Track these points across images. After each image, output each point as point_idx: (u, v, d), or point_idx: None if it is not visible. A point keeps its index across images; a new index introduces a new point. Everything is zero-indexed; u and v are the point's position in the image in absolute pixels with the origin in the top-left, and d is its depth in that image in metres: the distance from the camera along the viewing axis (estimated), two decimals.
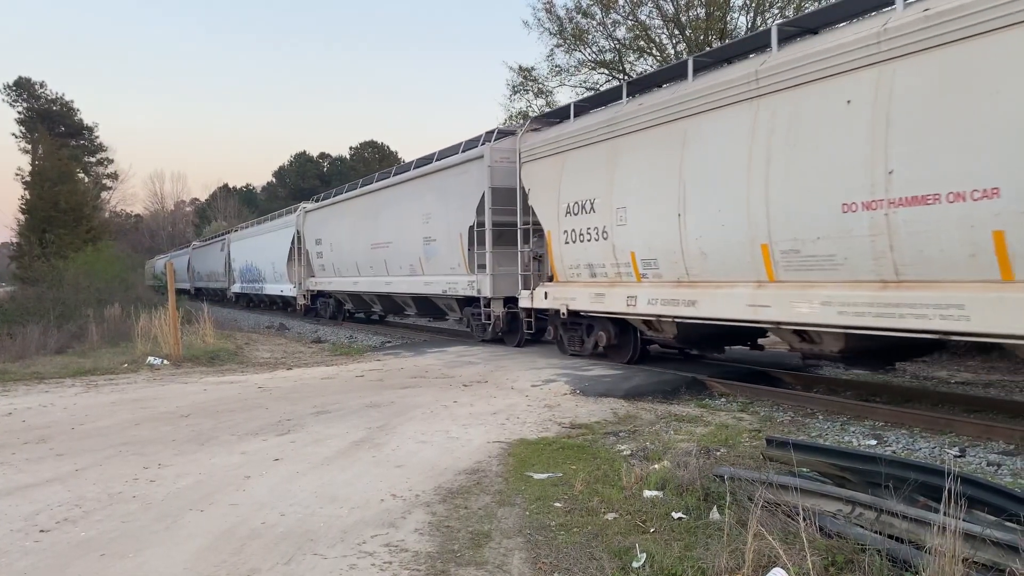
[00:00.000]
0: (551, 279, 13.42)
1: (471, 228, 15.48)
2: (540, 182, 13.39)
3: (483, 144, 15.48)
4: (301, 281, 27.69)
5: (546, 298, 13.29)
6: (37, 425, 8.59)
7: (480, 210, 15.11)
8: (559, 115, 13.96)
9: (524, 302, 14.14)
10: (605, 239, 11.55)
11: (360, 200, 22.18)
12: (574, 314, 12.75)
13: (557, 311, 13.09)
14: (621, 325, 12.08)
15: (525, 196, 13.89)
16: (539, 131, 14.00)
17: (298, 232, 27.67)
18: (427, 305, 19.12)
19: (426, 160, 18.60)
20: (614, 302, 11.47)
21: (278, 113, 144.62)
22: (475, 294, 15.71)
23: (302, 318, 28.51)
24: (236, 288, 38.78)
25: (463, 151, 16.42)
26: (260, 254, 33.18)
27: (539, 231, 13.79)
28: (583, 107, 13.00)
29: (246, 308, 38.04)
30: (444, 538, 4.71)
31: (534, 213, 13.63)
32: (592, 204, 11.82)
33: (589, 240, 11.93)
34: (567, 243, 12.53)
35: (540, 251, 13.93)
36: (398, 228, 19.16)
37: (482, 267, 15.24)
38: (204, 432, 8.03)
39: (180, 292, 47.16)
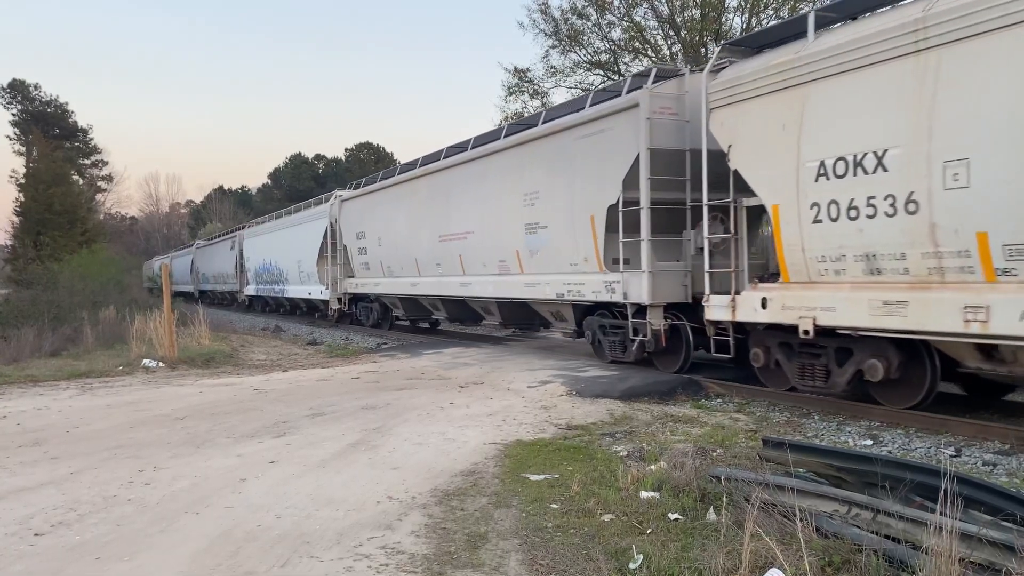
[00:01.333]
0: (766, 278, 9.51)
1: (611, 208, 11.37)
2: (754, 133, 9.17)
3: (630, 91, 11.25)
4: (336, 282, 23.43)
5: (764, 307, 9.11)
6: (32, 428, 8.56)
7: (629, 182, 10.93)
8: (780, 35, 9.57)
9: (717, 312, 9.82)
10: (911, 212, 7.43)
11: (423, 182, 17.82)
12: (823, 332, 8.51)
13: (788, 326, 8.88)
14: (908, 350, 8.15)
15: (720, 157, 9.65)
16: (739, 63, 9.79)
17: (331, 225, 23.47)
18: (519, 312, 15.28)
19: (524, 124, 14.62)
20: (930, 315, 7.35)
21: (273, 115, 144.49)
22: (618, 299, 11.42)
23: (334, 326, 24.54)
24: (250, 290, 34.86)
25: (591, 104, 12.28)
26: (282, 251, 28.79)
27: (712, 209, 10.08)
28: (828, 18, 8.79)
29: (262, 313, 34.40)
30: (440, 540, 4.71)
31: (739, 181, 9.47)
32: (880, 158, 7.67)
33: (872, 215, 7.79)
34: (817, 222, 8.32)
35: (716, 237, 10.07)
36: (482, 214, 15.08)
37: (629, 262, 11.23)
38: (199, 434, 8.01)
39: (183, 295, 46.40)
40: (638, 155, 10.73)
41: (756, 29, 18.58)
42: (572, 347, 16.01)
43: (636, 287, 11.03)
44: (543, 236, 13.24)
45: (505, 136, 14.56)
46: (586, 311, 12.98)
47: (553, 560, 4.33)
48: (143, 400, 10.41)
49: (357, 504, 5.48)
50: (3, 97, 57.03)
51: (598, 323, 12.57)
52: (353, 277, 22.66)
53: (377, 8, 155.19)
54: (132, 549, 4.66)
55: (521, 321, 16.08)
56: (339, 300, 23.57)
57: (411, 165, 19.00)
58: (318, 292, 25.04)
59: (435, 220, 17.04)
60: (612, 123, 11.45)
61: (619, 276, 11.37)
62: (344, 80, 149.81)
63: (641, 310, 11.16)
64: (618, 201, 11.23)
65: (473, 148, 15.77)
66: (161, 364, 14.24)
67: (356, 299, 23.25)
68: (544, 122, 13.59)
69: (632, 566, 4.12)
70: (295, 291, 27.92)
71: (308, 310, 28.67)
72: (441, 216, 16.75)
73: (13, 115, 57.24)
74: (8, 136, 58.15)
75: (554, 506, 5.28)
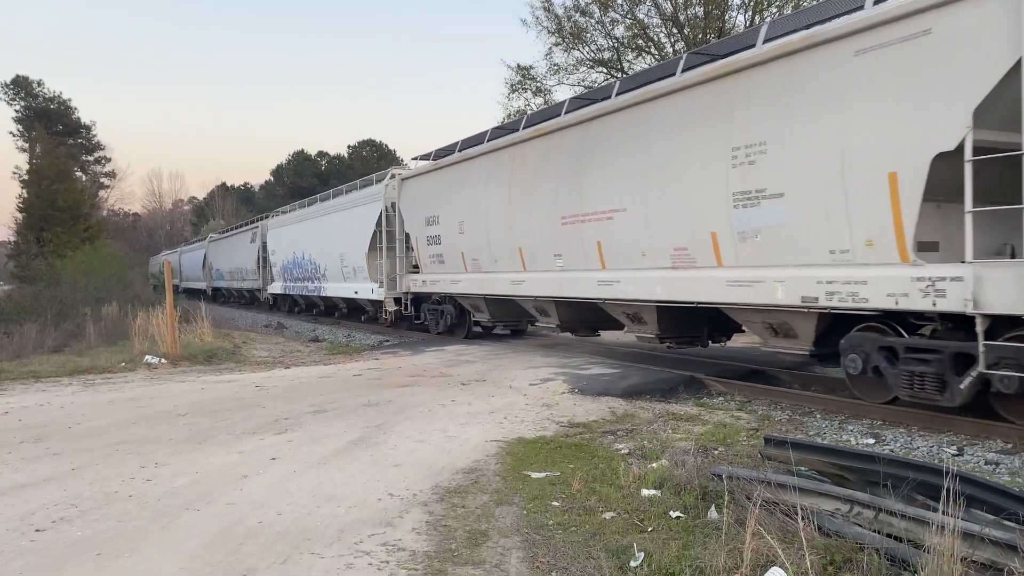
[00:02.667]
0: None
1: (939, 160, 7.13)
2: None
3: None
4: (395, 279, 19.48)
5: None
6: (34, 424, 8.57)
7: (988, 115, 6.82)
8: None
9: None
10: None
11: (533, 147, 13.44)
12: None
13: None
14: None
15: None
16: None
17: (387, 210, 19.58)
18: (688, 320, 11.31)
19: (708, 54, 10.39)
20: None
21: (276, 112, 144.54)
22: (952, 307, 7.18)
23: (387, 330, 20.68)
24: (275, 288, 30.86)
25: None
26: (319, 243, 24.75)
27: None
28: None
29: (290, 314, 30.29)
30: (441, 537, 4.70)
31: None
32: None
33: None
34: None
35: None
36: (643, 183, 10.80)
37: (938, 247, 7.74)
38: (201, 431, 8.01)
39: (194, 294, 45.05)
40: (1017, 64, 6.49)
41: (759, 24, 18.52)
42: (574, 345, 16.00)
43: (1006, 288, 6.77)
44: (772, 210, 8.94)
45: (684, 70, 10.28)
46: (837, 323, 8.75)
47: (554, 558, 4.32)
48: (145, 396, 10.41)
49: (358, 501, 5.48)
50: (6, 94, 57.26)
51: (875, 344, 8.20)
52: (418, 273, 18.55)
53: (380, 6, 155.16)
54: (133, 545, 4.66)
55: (689, 332, 11.88)
56: (397, 301, 19.65)
57: (510, 127, 14.91)
58: (367, 291, 21.07)
59: (555, 196, 12.73)
60: (943, 18, 7.11)
61: (959, 270, 7.08)
62: (346, 77, 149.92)
63: (996, 325, 7.00)
64: (960, 146, 6.90)
65: (620, 95, 11.51)
66: (163, 360, 14.26)
67: (419, 300, 19.24)
68: (767, 40, 9.16)
69: (633, 564, 4.12)
70: (336, 289, 23.97)
71: (350, 312, 24.92)
72: (566, 190, 12.45)
73: (16, 112, 57.49)
74: (11, 132, 58.62)
75: (555, 504, 5.27)
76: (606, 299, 12.08)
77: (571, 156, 12.38)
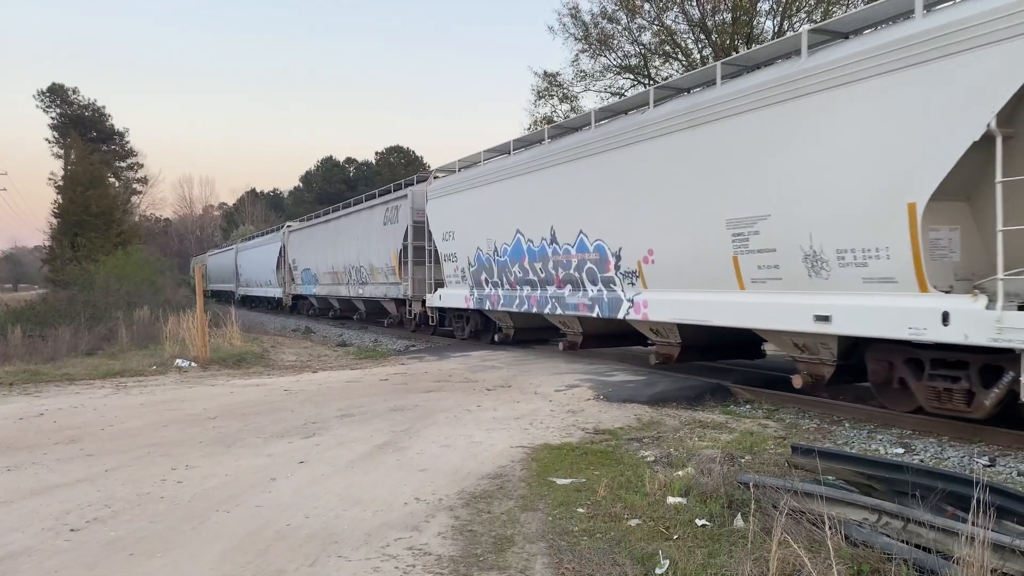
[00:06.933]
0: None
1: None
2: None
3: None
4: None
5: None
6: (68, 426, 8.73)
7: None
8: None
9: None
10: None
11: None
12: None
13: None
14: None
15: None
16: None
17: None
18: None
19: None
20: None
21: (304, 119, 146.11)
22: None
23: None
24: (445, 298, 18.45)
25: None
26: (610, 212, 11.95)
27: None
28: None
29: (477, 343, 17.89)
30: (467, 542, 4.73)
31: None
32: None
33: None
34: None
35: None
36: None
37: None
38: (230, 434, 8.11)
39: (262, 303, 38.46)
40: None
41: (788, 34, 18.38)
42: (599, 352, 15.92)
43: None
44: None
45: None
46: None
47: (579, 564, 4.33)
48: (176, 399, 10.56)
49: (385, 505, 5.52)
50: (43, 101, 58.44)
51: None
52: None
53: (406, 13, 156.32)
54: (165, 546, 4.74)
55: None
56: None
57: None
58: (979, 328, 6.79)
59: None
60: None
61: None
62: (372, 84, 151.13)
63: None
64: None
65: None
66: (193, 364, 14.44)
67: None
68: None
69: (658, 571, 4.12)
70: (728, 311, 9.94)
71: (686, 353, 11.67)
72: None
73: (52, 119, 58.63)
74: (47, 139, 59.65)
75: (580, 510, 5.28)
76: None
77: None
